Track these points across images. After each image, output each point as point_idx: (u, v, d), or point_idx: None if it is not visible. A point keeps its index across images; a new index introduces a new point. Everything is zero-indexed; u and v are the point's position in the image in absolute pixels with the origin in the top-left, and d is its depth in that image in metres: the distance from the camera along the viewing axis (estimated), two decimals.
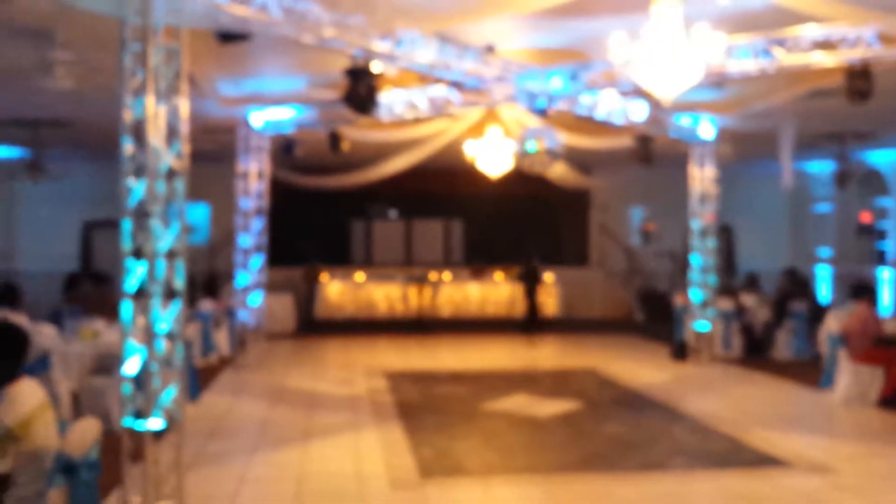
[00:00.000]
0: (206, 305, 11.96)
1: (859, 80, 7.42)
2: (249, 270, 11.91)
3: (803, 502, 5.85)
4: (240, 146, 11.80)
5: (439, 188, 18.49)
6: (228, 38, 6.89)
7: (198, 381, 9.65)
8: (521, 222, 19.51)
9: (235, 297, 12.10)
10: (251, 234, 11.88)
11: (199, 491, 5.99)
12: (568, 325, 16.75)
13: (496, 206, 18.79)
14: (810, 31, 7.40)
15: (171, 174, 5.75)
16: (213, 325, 12.10)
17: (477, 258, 18.46)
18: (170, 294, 5.73)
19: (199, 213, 18.06)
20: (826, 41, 7.40)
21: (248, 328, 11.97)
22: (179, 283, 5.81)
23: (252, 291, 11.98)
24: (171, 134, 5.85)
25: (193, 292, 12.03)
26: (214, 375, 10.87)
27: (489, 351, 13.98)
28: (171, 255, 5.71)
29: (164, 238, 5.62)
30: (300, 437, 7.69)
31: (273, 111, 11.39)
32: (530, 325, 16.10)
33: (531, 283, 16.20)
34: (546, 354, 13.91)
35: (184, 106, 5.98)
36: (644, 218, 20.01)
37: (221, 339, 12.42)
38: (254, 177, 11.89)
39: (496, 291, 17.33)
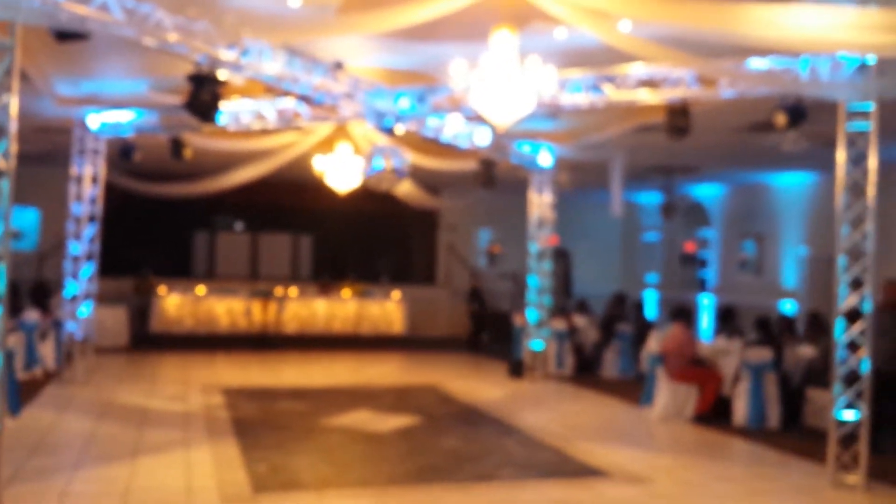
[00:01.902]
0: (32, 315, 11.29)
1: (678, 117, 8.06)
2: (79, 280, 11.35)
3: None
4: (74, 148, 11.27)
5: (288, 202, 18.34)
6: (66, 36, 6.66)
7: (19, 394, 9.10)
8: (371, 239, 19.68)
9: (64, 307, 11.49)
10: (83, 242, 11.33)
11: None
12: (413, 343, 16.95)
13: (346, 222, 18.86)
14: (637, 70, 7.95)
15: None
16: (39, 336, 11.44)
17: (325, 274, 18.37)
18: None
19: (29, 218, 17.04)
20: (650, 80, 7.98)
21: (76, 341, 11.37)
22: (0, 289, 5.54)
23: (82, 302, 11.41)
24: None
25: (18, 301, 11.36)
26: (38, 389, 10.28)
27: (334, 368, 13.93)
28: None
29: None
30: (128, 453, 7.41)
31: (112, 113, 10.96)
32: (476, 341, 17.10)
33: (476, 303, 17.55)
34: (390, 371, 14.03)
35: (14, 104, 5.74)
36: (490, 240, 20.63)
37: (47, 351, 11.75)
38: (88, 181, 11.37)
39: (343, 308, 17.29)
